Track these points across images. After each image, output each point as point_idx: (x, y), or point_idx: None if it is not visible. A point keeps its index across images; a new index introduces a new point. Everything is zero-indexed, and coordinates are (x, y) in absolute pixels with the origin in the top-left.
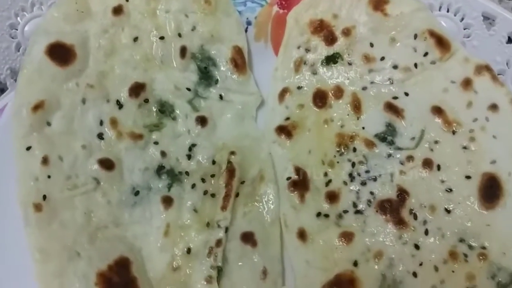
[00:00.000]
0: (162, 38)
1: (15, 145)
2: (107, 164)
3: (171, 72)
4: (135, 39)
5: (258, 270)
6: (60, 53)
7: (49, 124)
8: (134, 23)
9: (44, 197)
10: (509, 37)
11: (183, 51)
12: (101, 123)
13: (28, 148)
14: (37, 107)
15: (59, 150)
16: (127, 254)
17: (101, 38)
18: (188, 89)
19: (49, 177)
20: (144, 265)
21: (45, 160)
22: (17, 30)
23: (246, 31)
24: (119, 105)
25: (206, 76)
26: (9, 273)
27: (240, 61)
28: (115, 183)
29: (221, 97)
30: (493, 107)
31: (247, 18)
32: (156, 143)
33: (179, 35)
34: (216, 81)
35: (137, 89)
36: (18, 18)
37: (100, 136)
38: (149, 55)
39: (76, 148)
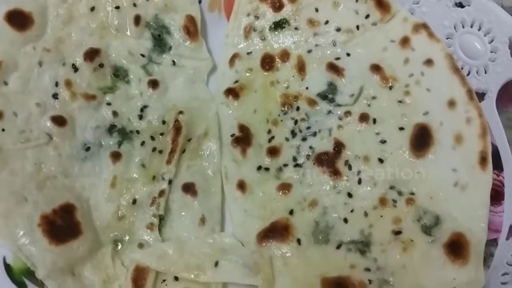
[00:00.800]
0: (117, 7)
1: None
2: (59, 120)
3: (126, 40)
4: (92, 8)
5: (197, 217)
6: (19, 20)
7: (5, 83)
8: None
9: None
10: (456, 3)
11: (137, 19)
12: (56, 84)
13: None
14: None
15: (14, 107)
16: (73, 201)
17: (60, 7)
18: (142, 55)
19: (3, 130)
20: (91, 214)
21: (0, 115)
22: None
23: (200, 2)
24: (75, 68)
25: (160, 43)
26: None
27: (192, 29)
28: (67, 139)
29: (174, 62)
30: (428, 62)
31: None
32: (109, 104)
33: (134, 5)
34: (170, 48)
35: (92, 54)
36: None
37: (55, 96)
38: (105, 24)
39: (31, 106)
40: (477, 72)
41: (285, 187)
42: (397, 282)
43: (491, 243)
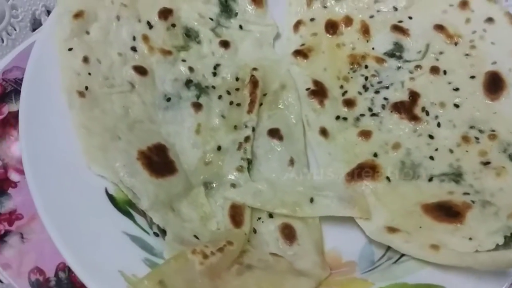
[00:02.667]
0: None
1: (58, 46)
2: (141, 70)
3: (195, 4)
4: None
5: (286, 160)
6: None
7: (88, 33)
8: None
9: (86, 88)
10: None
11: None
12: (134, 38)
13: (70, 49)
14: (77, 15)
15: (97, 54)
16: (163, 142)
17: None
18: (211, 19)
19: (89, 74)
20: (179, 157)
21: (85, 59)
22: None
23: None
24: (150, 25)
25: (227, 9)
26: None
27: None
28: (149, 88)
29: (241, 27)
30: (489, 20)
31: None
32: (183, 60)
33: None
34: (236, 14)
35: (165, 13)
36: None
37: (134, 48)
38: None
39: (113, 55)
40: None
41: (365, 134)
42: (498, 201)
43: None
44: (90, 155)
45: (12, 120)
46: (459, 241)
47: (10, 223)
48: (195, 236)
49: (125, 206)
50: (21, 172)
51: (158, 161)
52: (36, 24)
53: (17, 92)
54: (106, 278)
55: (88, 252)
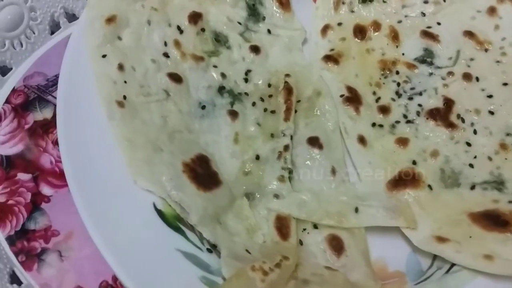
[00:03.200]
0: None
1: (91, 53)
2: (176, 77)
3: (223, 7)
4: None
5: (327, 169)
6: None
7: (120, 38)
8: None
9: (124, 97)
10: None
11: None
12: (165, 44)
13: (104, 56)
14: (110, 20)
15: (131, 61)
16: (204, 153)
17: None
18: (239, 23)
19: (125, 82)
20: (219, 167)
21: (121, 67)
22: None
23: None
24: (180, 30)
25: (254, 13)
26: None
27: (285, 0)
28: (184, 96)
29: (269, 31)
30: None
31: None
32: (215, 66)
33: None
34: (263, 18)
35: (195, 17)
36: None
37: (166, 55)
38: None
39: (146, 61)
40: None
41: (402, 141)
42: None
43: None
44: (135, 169)
45: (39, 129)
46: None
47: (46, 240)
48: (247, 251)
49: (175, 222)
50: (53, 185)
51: (203, 173)
52: (54, 27)
53: (41, 100)
54: None
55: (142, 271)
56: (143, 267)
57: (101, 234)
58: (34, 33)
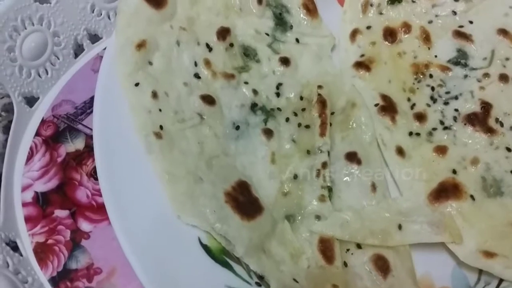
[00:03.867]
0: None
1: (123, 82)
2: (208, 99)
3: (250, 19)
4: None
5: (367, 185)
6: None
7: (150, 63)
8: None
9: (161, 127)
10: None
11: None
12: (196, 64)
13: (137, 84)
14: (140, 45)
15: (164, 87)
16: (244, 178)
17: None
18: (267, 34)
19: (160, 110)
20: (257, 191)
21: (154, 95)
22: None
23: None
24: (209, 48)
25: (281, 22)
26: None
27: (311, 6)
28: (218, 118)
29: (297, 40)
30: None
31: None
32: (246, 83)
33: None
34: (291, 27)
35: (223, 33)
36: None
37: (197, 75)
38: (228, 3)
39: (178, 85)
40: None
41: (440, 149)
42: None
43: None
44: (178, 204)
45: (72, 162)
46: None
47: (89, 279)
48: (294, 280)
49: (222, 256)
50: (92, 220)
51: (244, 200)
52: (78, 50)
53: (71, 130)
54: None
55: None
56: None
57: (147, 272)
58: (58, 58)
